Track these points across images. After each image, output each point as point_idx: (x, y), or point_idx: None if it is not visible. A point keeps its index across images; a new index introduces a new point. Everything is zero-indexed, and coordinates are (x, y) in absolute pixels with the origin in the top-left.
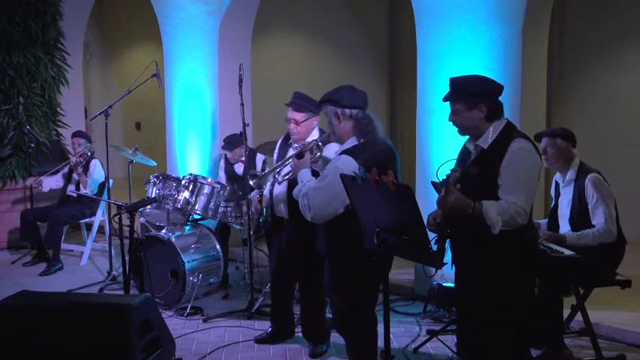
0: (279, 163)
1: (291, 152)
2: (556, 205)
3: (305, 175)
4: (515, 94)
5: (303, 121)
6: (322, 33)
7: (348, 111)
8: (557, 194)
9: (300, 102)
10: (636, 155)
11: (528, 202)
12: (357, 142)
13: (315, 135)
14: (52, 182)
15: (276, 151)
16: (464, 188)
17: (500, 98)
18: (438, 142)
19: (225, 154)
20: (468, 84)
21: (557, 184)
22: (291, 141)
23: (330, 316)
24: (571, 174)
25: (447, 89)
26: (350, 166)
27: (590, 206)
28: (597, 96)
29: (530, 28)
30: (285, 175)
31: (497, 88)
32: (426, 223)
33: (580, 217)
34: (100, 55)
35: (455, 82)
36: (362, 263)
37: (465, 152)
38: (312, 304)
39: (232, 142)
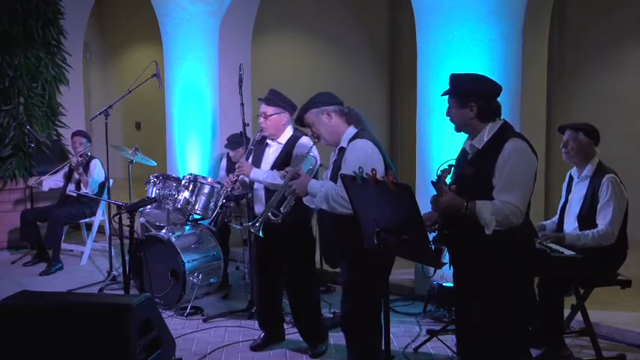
0: (273, 199)
1: (268, 150)
2: (565, 202)
3: (315, 185)
4: (515, 94)
5: (270, 115)
6: (322, 33)
7: (332, 107)
8: (569, 190)
9: (271, 97)
10: (636, 154)
11: (524, 202)
12: (356, 130)
13: (289, 132)
14: (51, 182)
15: (251, 148)
16: (460, 189)
17: (499, 98)
18: (438, 142)
19: (228, 153)
20: (462, 82)
21: (571, 178)
22: (267, 140)
23: (329, 315)
24: (588, 170)
25: (447, 89)
26: (368, 147)
27: (599, 205)
28: (597, 95)
29: (530, 27)
30: (285, 206)
31: (493, 89)
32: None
33: (589, 214)
34: (100, 55)
35: (452, 79)
36: (380, 261)
37: (463, 153)
38: (304, 304)
39: (236, 141)
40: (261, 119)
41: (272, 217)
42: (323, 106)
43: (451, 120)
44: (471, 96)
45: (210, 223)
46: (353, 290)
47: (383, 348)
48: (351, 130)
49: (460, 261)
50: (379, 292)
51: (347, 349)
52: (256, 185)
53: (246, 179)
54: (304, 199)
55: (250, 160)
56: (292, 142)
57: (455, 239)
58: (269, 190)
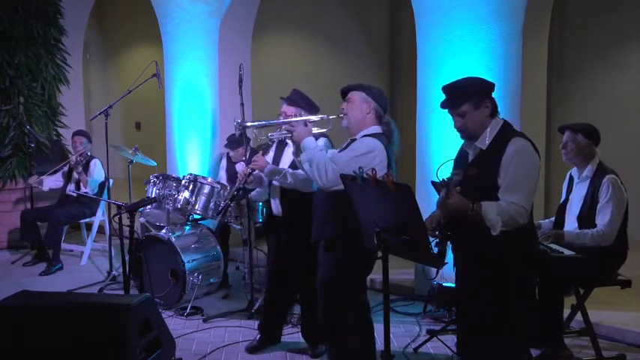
0: (272, 121)
1: (288, 150)
2: (566, 201)
3: (311, 142)
4: (515, 94)
5: (290, 115)
6: (322, 32)
7: (377, 106)
8: (569, 189)
9: (294, 97)
10: (636, 154)
11: (529, 201)
12: (379, 132)
13: None
14: (51, 182)
15: (273, 149)
16: (464, 190)
17: (498, 97)
18: (438, 142)
19: (227, 153)
20: (468, 85)
21: (571, 178)
22: (287, 141)
23: None
24: (588, 171)
25: (449, 102)
26: (376, 145)
27: (599, 205)
28: (597, 95)
29: (530, 27)
30: (278, 137)
31: (492, 85)
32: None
33: (589, 215)
34: (100, 55)
35: (454, 87)
36: (363, 249)
37: (462, 154)
38: (313, 304)
39: (235, 140)
40: (281, 118)
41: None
42: (372, 98)
43: (465, 127)
44: (483, 94)
45: (217, 214)
46: (351, 289)
47: (382, 348)
48: (374, 128)
49: (463, 261)
50: (362, 286)
51: (334, 350)
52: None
53: (263, 175)
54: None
55: (272, 157)
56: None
57: (458, 240)
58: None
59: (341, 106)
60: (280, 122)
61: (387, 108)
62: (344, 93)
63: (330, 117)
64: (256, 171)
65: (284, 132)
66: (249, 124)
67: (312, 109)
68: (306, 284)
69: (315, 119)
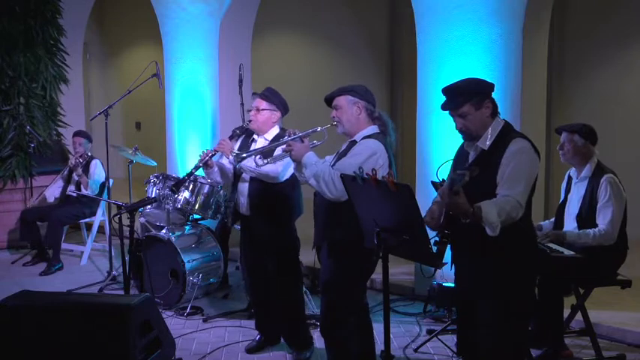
0: (267, 145)
1: (254, 145)
2: (565, 201)
3: (311, 157)
4: (515, 94)
5: (263, 109)
6: (322, 33)
7: (365, 103)
8: (568, 190)
9: (267, 94)
10: (636, 154)
11: (524, 197)
12: (377, 131)
13: (275, 131)
14: (55, 191)
15: (240, 140)
16: (464, 189)
17: (498, 97)
18: (438, 142)
19: None
20: (468, 86)
21: (569, 178)
22: (253, 135)
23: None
24: (587, 171)
25: (449, 104)
26: (378, 147)
27: (599, 205)
28: (596, 95)
29: (530, 28)
30: (270, 159)
31: (492, 85)
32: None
33: (588, 215)
34: (100, 55)
35: (454, 88)
36: (366, 252)
37: (462, 154)
38: (288, 308)
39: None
40: (253, 112)
41: (257, 161)
42: (359, 98)
43: (466, 128)
44: (483, 94)
45: (216, 214)
46: (354, 291)
47: (382, 348)
48: (371, 129)
49: (462, 260)
50: (363, 289)
51: (334, 350)
52: (240, 187)
53: (226, 165)
54: (292, 166)
55: (237, 148)
56: (278, 138)
57: (457, 239)
58: (252, 184)
59: (331, 114)
60: (273, 145)
61: (375, 102)
62: (329, 100)
63: (324, 128)
64: (221, 161)
65: (283, 153)
66: (245, 154)
67: (284, 108)
68: (279, 287)
69: (310, 133)
